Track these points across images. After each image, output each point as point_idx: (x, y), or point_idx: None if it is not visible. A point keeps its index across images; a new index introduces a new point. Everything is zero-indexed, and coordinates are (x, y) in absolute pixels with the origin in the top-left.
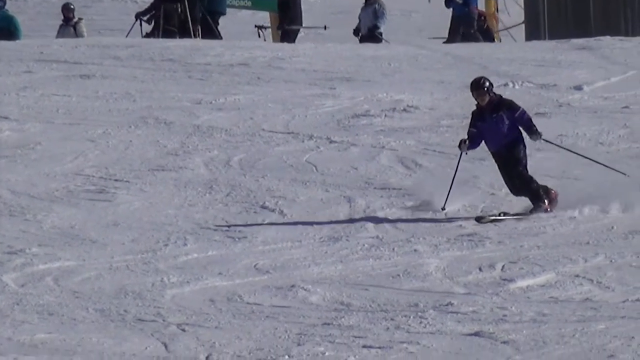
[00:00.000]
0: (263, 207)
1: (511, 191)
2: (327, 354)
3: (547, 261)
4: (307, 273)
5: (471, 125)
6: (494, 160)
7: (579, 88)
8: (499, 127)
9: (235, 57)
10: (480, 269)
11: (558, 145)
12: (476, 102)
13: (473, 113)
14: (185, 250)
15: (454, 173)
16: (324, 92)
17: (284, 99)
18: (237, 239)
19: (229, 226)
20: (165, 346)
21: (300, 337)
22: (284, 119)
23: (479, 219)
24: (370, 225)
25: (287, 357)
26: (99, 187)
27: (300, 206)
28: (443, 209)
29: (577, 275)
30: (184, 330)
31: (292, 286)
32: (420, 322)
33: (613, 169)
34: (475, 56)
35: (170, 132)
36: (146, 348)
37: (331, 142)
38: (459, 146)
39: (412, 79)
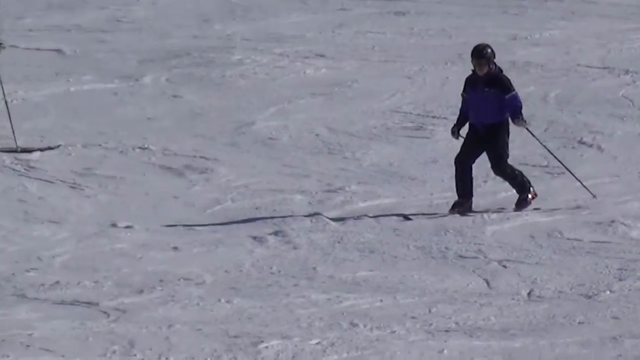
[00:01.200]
0: (580, 142)
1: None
2: None
3: None
4: (627, 208)
5: (464, 90)
6: (468, 132)
7: None
8: (487, 102)
9: None
10: None
11: (540, 142)
12: (472, 69)
13: (467, 78)
14: (505, 187)
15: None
16: (638, 27)
17: (599, 34)
18: (555, 175)
19: (547, 163)
20: (487, 282)
21: (621, 273)
22: (600, 53)
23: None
24: None
25: (608, 292)
26: (416, 124)
27: (617, 141)
28: None
29: None
30: (505, 266)
31: (612, 221)
32: None
33: (583, 185)
34: None
35: None
36: (468, 285)
37: None
38: (453, 134)
39: None
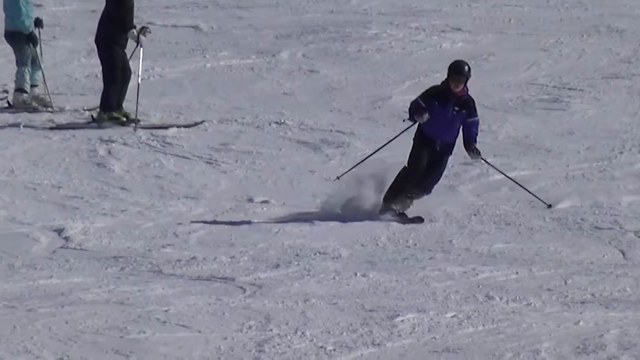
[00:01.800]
0: None
1: (417, 187)
2: None
3: None
4: None
5: (425, 100)
6: (421, 144)
7: None
8: (452, 123)
9: None
10: None
11: (495, 168)
12: (444, 83)
13: (436, 90)
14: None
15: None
16: None
17: None
18: None
19: None
20: (623, 253)
21: None
22: None
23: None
24: None
25: None
26: (552, 96)
27: None
28: None
29: None
30: None
31: None
32: None
33: (537, 197)
34: None
35: (623, 39)
36: (604, 256)
37: None
38: (414, 116)
39: None
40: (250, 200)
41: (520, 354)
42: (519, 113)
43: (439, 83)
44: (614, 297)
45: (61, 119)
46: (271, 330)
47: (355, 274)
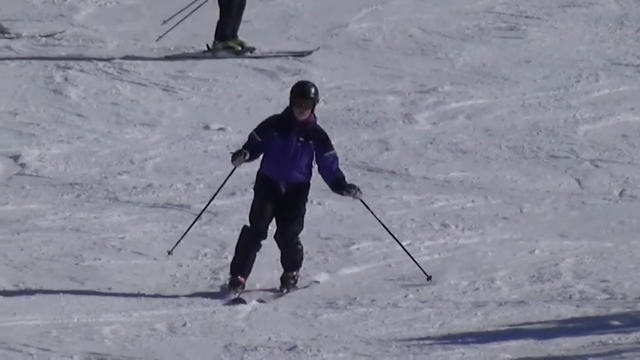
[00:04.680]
0: None
1: (276, 235)
2: None
3: None
4: None
5: (259, 133)
6: (262, 189)
7: None
8: (298, 157)
9: None
10: None
11: (374, 216)
12: (287, 110)
13: (277, 119)
14: (597, 86)
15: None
16: None
17: None
18: None
19: None
20: (579, 182)
21: None
22: None
23: None
24: None
25: None
26: (510, 24)
27: None
28: None
29: None
30: (596, 166)
31: None
32: None
33: (418, 265)
34: None
35: None
36: (560, 185)
37: None
38: (233, 159)
39: None
40: (207, 127)
41: (475, 282)
42: (476, 41)
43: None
44: (569, 226)
45: (18, 45)
46: (226, 257)
47: (312, 202)
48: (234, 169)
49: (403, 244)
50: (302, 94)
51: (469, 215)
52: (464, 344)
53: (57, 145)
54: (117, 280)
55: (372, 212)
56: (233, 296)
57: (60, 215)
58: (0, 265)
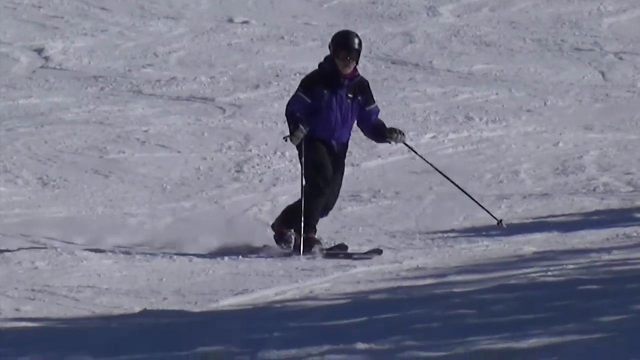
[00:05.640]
0: None
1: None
2: None
3: None
4: None
5: (307, 93)
6: (316, 148)
7: None
8: (349, 114)
9: None
10: None
11: (417, 153)
12: (329, 63)
13: (319, 78)
14: None
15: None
16: None
17: None
18: None
19: None
20: (603, 74)
21: None
22: None
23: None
24: None
25: None
26: None
27: None
28: None
29: None
30: (620, 58)
31: None
32: None
33: (488, 211)
34: None
35: None
36: (584, 77)
37: None
38: (292, 139)
39: None
40: (231, 20)
41: (499, 174)
42: None
43: (317, 67)
44: (593, 118)
45: None
46: (250, 150)
47: None
48: (300, 141)
49: (427, 136)
50: (347, 45)
51: (493, 108)
52: (488, 236)
53: (81, 38)
54: (140, 173)
55: (418, 153)
56: (311, 255)
57: (84, 108)
58: (25, 158)
